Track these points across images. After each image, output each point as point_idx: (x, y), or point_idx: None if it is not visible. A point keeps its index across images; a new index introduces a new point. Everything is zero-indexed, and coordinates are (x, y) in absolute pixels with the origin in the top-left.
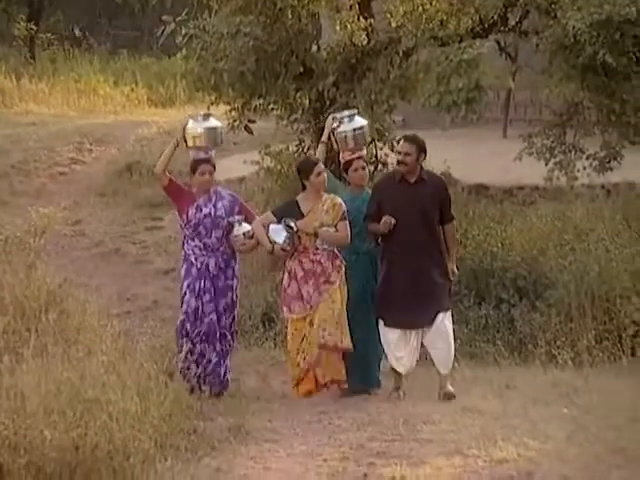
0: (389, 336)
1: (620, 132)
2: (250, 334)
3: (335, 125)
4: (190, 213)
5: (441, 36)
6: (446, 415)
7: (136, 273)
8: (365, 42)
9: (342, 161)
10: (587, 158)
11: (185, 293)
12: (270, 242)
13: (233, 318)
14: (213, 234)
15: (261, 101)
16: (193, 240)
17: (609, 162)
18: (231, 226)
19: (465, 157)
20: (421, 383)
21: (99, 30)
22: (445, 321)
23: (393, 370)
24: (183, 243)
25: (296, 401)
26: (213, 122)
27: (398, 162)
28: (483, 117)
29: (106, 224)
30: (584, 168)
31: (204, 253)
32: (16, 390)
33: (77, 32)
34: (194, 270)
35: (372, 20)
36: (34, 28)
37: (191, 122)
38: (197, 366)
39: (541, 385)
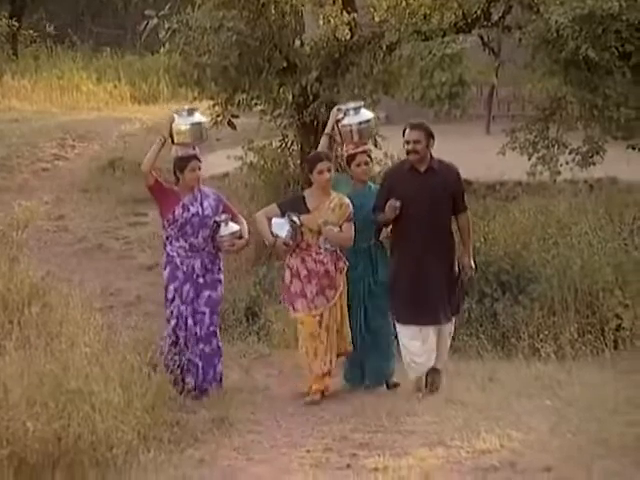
0: (405, 333)
1: (602, 127)
2: (233, 328)
3: (340, 117)
4: (177, 212)
5: (424, 31)
6: (429, 407)
7: (119, 268)
8: (348, 37)
9: (345, 154)
10: (570, 153)
11: (173, 298)
12: (272, 235)
13: (217, 315)
14: (200, 234)
15: (244, 96)
16: (178, 240)
17: (592, 157)
18: (217, 226)
19: (448, 153)
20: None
21: (82, 28)
22: (450, 325)
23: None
24: (165, 245)
25: (279, 394)
26: (198, 117)
27: (408, 152)
28: (466, 113)
29: (89, 220)
30: (567, 163)
31: (189, 254)
32: None
33: (51, 29)
34: (180, 274)
35: (355, 15)
36: (16, 25)
37: (177, 118)
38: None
39: (524, 378)
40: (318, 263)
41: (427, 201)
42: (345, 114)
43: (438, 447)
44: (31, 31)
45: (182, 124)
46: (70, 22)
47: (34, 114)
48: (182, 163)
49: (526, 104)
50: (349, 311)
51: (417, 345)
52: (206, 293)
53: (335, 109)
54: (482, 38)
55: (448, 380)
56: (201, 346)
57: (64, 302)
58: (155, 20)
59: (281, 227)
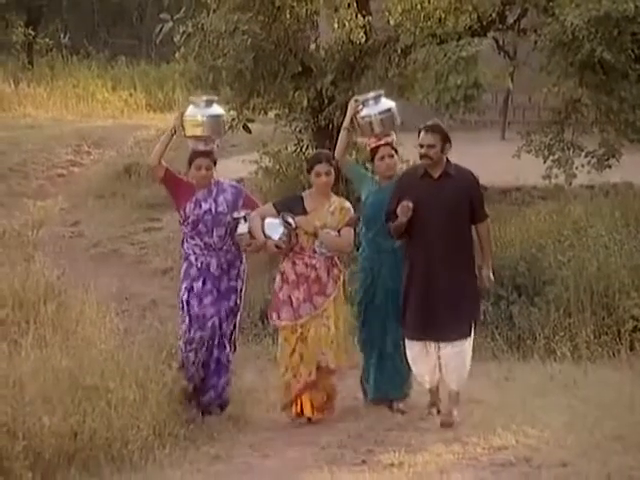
0: (409, 349)
1: (618, 130)
2: (249, 330)
3: (359, 108)
4: (188, 209)
5: (439, 34)
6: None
7: (134, 273)
8: (363, 40)
9: (368, 149)
10: (586, 156)
11: (185, 296)
12: (265, 237)
13: (234, 326)
14: (214, 232)
15: (259, 100)
16: (193, 239)
17: (607, 160)
18: (235, 223)
19: (463, 158)
20: None
21: (97, 39)
22: (467, 343)
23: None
24: (182, 241)
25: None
26: (216, 109)
27: (421, 156)
28: (481, 120)
29: (104, 225)
30: (583, 166)
31: (205, 252)
32: (15, 378)
33: (66, 40)
34: (193, 271)
35: (370, 18)
36: (32, 33)
37: (191, 108)
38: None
39: (540, 377)
40: (309, 267)
41: (441, 209)
42: (364, 105)
43: (454, 443)
44: (47, 39)
45: (197, 115)
46: (85, 33)
47: (50, 121)
48: (190, 158)
49: (541, 110)
50: (370, 318)
51: (421, 363)
52: (222, 301)
53: (352, 100)
54: (497, 41)
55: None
56: (207, 353)
57: (80, 301)
58: (170, 24)
59: (274, 228)
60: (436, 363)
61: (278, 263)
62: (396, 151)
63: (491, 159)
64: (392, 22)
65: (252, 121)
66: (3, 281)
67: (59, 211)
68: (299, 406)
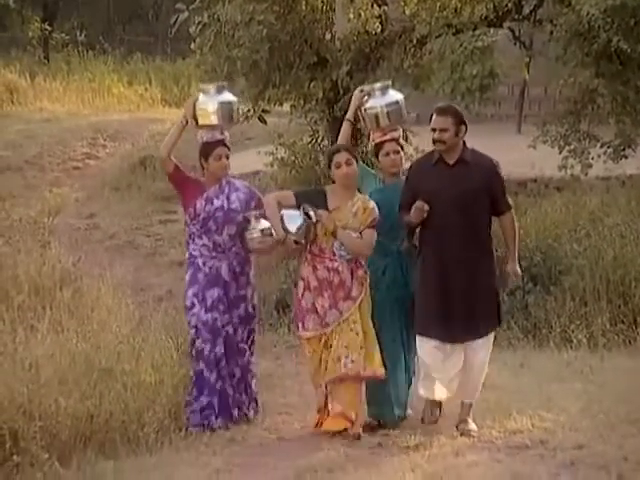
0: (423, 348)
1: (634, 120)
2: (265, 320)
3: (364, 99)
4: (199, 206)
5: (455, 24)
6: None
7: (150, 265)
8: (379, 31)
9: (372, 143)
10: (602, 146)
11: (193, 304)
12: (283, 229)
13: (250, 332)
14: (225, 231)
15: (275, 91)
16: (201, 238)
17: (623, 150)
18: (247, 222)
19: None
20: None
21: (113, 36)
22: (489, 339)
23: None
24: (188, 243)
25: (309, 380)
26: (228, 96)
27: (433, 141)
28: (497, 113)
29: (120, 217)
30: (599, 156)
31: (213, 254)
32: (31, 360)
33: (82, 38)
34: (201, 276)
35: (386, 8)
36: (48, 29)
37: (202, 96)
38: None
39: (556, 364)
40: (332, 271)
41: (456, 199)
42: (370, 95)
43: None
44: (63, 34)
45: (209, 103)
46: (101, 30)
47: (66, 115)
48: (207, 149)
49: (557, 103)
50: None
51: (438, 358)
52: (232, 309)
53: (357, 90)
54: (513, 32)
55: None
56: (227, 364)
57: (95, 288)
58: (185, 14)
59: (293, 220)
60: (454, 369)
61: (291, 257)
62: (402, 147)
63: (507, 151)
64: (408, 12)
65: (267, 112)
66: (19, 267)
67: (75, 203)
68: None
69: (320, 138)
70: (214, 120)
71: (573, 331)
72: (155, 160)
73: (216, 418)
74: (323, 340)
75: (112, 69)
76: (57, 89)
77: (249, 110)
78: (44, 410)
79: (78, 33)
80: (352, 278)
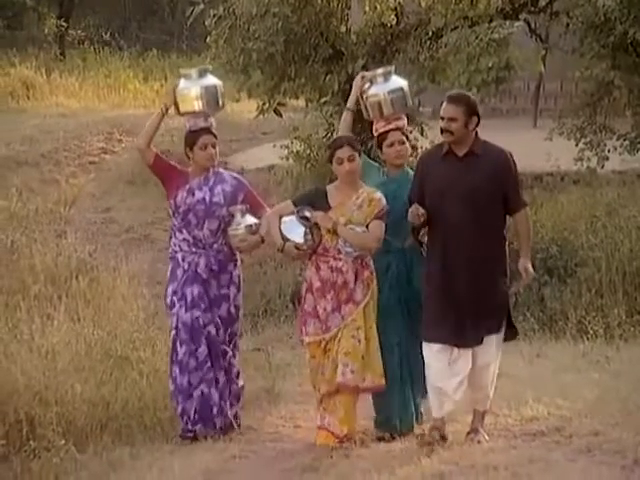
0: (428, 353)
1: None
2: (280, 312)
3: (366, 86)
4: (179, 198)
5: (471, 16)
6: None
7: (166, 258)
8: (394, 23)
9: (375, 133)
10: (618, 138)
11: (173, 303)
12: (282, 238)
13: (232, 334)
14: (205, 225)
15: (290, 84)
16: (181, 232)
17: None
18: (231, 217)
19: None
20: None
21: (129, 34)
22: (497, 343)
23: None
24: (170, 237)
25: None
26: (212, 79)
27: (441, 130)
28: (513, 108)
29: (135, 211)
30: (615, 148)
31: (193, 250)
32: (47, 348)
33: (106, 36)
34: (179, 272)
35: (401, 1)
36: (64, 25)
37: (183, 81)
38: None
39: (572, 354)
40: (335, 271)
41: (466, 195)
42: (371, 82)
43: (486, 415)
44: (79, 31)
45: (191, 88)
46: (117, 27)
47: (82, 110)
48: (191, 138)
49: (573, 98)
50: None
51: (444, 363)
52: (213, 308)
53: (359, 77)
54: (529, 24)
55: None
56: (210, 366)
57: (111, 278)
58: (201, 6)
59: (291, 228)
60: (460, 375)
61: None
62: (407, 137)
63: (523, 145)
64: (423, 5)
65: (283, 105)
66: (36, 257)
67: (91, 197)
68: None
69: (336, 131)
70: (197, 106)
71: (589, 322)
72: (171, 155)
73: (193, 425)
74: (323, 345)
75: (128, 65)
76: (73, 85)
77: (264, 103)
78: (60, 397)
79: (94, 31)
80: (356, 280)
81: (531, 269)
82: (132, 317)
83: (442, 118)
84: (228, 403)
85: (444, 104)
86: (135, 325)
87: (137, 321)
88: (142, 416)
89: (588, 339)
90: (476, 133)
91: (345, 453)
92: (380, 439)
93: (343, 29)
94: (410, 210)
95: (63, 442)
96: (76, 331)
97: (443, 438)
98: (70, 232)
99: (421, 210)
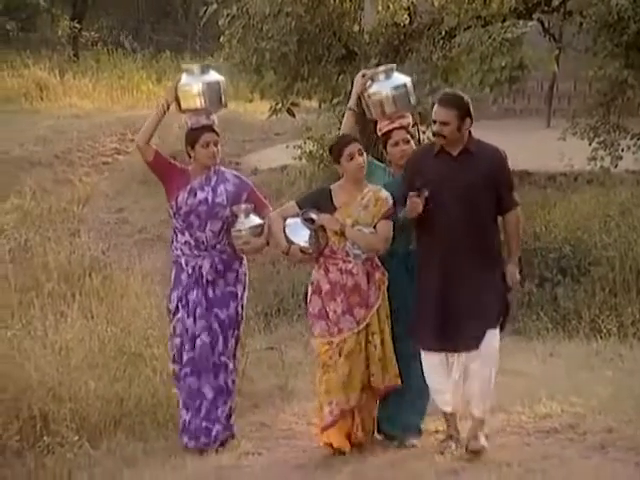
0: (426, 362)
1: None
2: (293, 311)
3: (367, 85)
4: (180, 198)
5: (484, 16)
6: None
7: None
8: (407, 23)
9: (379, 133)
10: (632, 138)
11: (177, 309)
12: (287, 241)
13: (237, 339)
14: (208, 226)
15: (303, 84)
16: (183, 234)
17: None
18: (235, 218)
19: (509, 145)
20: None
21: (142, 35)
22: (491, 345)
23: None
24: (172, 239)
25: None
26: (214, 75)
27: (433, 133)
28: (526, 108)
29: (149, 211)
30: (628, 148)
31: (195, 253)
32: (61, 344)
33: (125, 41)
34: (184, 277)
35: (414, 0)
36: (77, 26)
37: (185, 77)
38: (187, 409)
39: (585, 353)
40: (345, 274)
41: (459, 194)
42: (373, 80)
43: (499, 413)
44: (93, 33)
45: (193, 84)
46: (130, 29)
47: (95, 111)
48: (192, 136)
49: (587, 98)
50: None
51: (439, 369)
52: (214, 310)
53: (359, 75)
54: (542, 24)
55: (508, 354)
56: (196, 377)
57: (125, 276)
58: (215, 6)
59: (295, 230)
60: (459, 380)
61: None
62: (412, 136)
63: (536, 145)
64: (436, 4)
65: (296, 105)
66: (49, 255)
67: (104, 197)
68: (343, 434)
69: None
70: (198, 103)
71: (602, 321)
72: (184, 155)
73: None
74: (336, 350)
75: (141, 67)
76: (86, 86)
77: (277, 104)
78: (74, 393)
79: (107, 32)
80: (369, 282)
81: (517, 275)
82: (145, 314)
83: (434, 121)
84: (216, 424)
85: (436, 107)
86: (148, 322)
87: (150, 318)
88: (155, 413)
89: (601, 338)
90: (469, 132)
91: (358, 450)
92: (389, 438)
93: (356, 29)
94: (409, 199)
95: (77, 438)
96: (89, 328)
97: (456, 434)
98: (83, 231)
99: (426, 192)
